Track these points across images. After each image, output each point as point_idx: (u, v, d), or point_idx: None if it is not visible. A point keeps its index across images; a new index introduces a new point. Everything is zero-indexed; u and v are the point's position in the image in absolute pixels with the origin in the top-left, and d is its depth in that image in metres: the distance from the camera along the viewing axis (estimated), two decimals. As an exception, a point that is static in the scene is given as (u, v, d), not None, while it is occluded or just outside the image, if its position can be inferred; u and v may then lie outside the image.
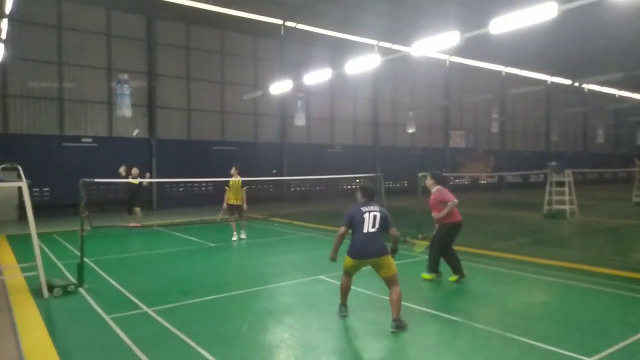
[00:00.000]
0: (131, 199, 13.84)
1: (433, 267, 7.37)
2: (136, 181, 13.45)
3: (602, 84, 44.70)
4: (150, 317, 5.75)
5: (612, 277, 7.63)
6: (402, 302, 5.28)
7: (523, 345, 4.75)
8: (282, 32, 26.03)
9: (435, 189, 7.48)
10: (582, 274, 7.78)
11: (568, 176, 16.46)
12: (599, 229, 14.20)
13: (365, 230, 5.27)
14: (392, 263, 5.34)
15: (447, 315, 5.72)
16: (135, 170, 13.60)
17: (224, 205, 11.91)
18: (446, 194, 7.29)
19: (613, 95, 49.13)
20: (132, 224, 13.17)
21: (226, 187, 11.88)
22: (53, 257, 9.64)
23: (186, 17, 22.77)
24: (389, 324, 5.23)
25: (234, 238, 11.86)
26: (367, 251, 5.27)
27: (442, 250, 7.33)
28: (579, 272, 7.93)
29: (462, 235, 7.69)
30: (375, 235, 5.29)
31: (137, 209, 13.70)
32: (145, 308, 6.09)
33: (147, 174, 14.55)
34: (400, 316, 5.18)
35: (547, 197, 16.72)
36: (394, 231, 5.43)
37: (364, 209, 5.39)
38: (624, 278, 7.55)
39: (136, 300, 6.44)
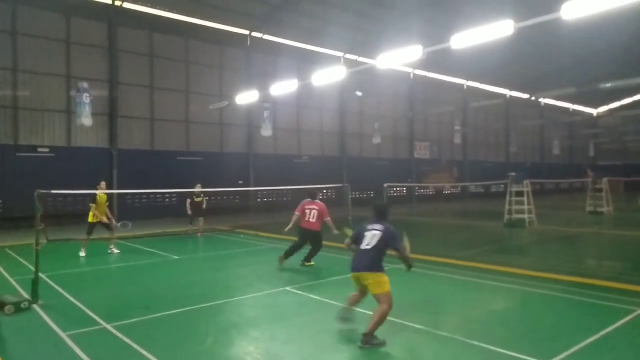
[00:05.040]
0: (199, 212, 14.92)
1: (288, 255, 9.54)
2: (200, 199, 14.85)
3: (557, 98, 46.88)
4: (110, 334, 5.55)
5: (568, 283, 7.94)
6: (364, 311, 5.43)
7: (485, 352, 4.87)
8: (248, 43, 26.00)
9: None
10: (540, 281, 8.06)
11: (527, 186, 17.08)
12: (556, 237, 14.77)
13: (362, 247, 5.35)
14: (381, 282, 5.21)
15: (411, 324, 5.79)
16: (199, 187, 14.73)
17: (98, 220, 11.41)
18: (300, 206, 9.67)
19: (567, 109, 51.60)
20: (200, 232, 15.02)
21: (93, 204, 11.27)
22: (5, 273, 9.17)
23: (150, 25, 22.39)
24: (355, 334, 5.26)
25: (83, 254, 11.30)
26: (356, 266, 5.34)
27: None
28: (537, 279, 8.21)
29: (427, 245, 7.85)
30: (368, 252, 5.27)
31: (202, 219, 14.95)
32: (104, 324, 5.87)
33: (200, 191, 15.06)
34: (375, 334, 5.06)
35: (507, 207, 17.26)
36: (399, 251, 5.30)
37: (369, 227, 5.47)
38: (578, 284, 7.87)
39: (95, 316, 6.20)
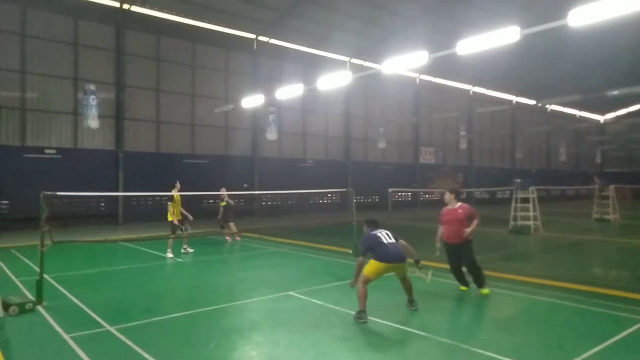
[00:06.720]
0: (225, 216, 14.51)
1: (483, 280, 7.58)
2: (224, 203, 14.47)
3: (564, 104, 46.69)
4: (113, 336, 5.55)
5: (573, 291, 7.86)
6: (372, 318, 5.66)
7: (488, 360, 4.83)
8: (254, 47, 26.11)
9: (458, 204, 7.69)
10: (545, 289, 7.99)
11: (532, 193, 16.98)
12: (561, 244, 14.66)
13: (387, 242, 6.15)
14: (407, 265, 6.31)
15: (413, 330, 5.75)
16: (224, 191, 14.45)
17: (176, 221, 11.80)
18: (472, 209, 7.56)
19: (574, 116, 51.35)
20: (229, 237, 14.51)
21: (170, 203, 11.80)
22: (10, 274, 9.22)
23: (157, 29, 22.56)
24: (358, 339, 5.28)
25: (170, 255, 11.49)
26: (399, 256, 6.08)
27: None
28: (542, 287, 8.14)
29: (432, 251, 7.82)
30: (396, 245, 6.18)
31: (232, 224, 14.38)
32: (107, 326, 5.88)
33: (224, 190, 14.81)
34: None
35: (512, 213, 17.17)
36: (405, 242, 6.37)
37: (374, 231, 6.36)
38: (584, 292, 7.79)
39: (98, 319, 6.21)
